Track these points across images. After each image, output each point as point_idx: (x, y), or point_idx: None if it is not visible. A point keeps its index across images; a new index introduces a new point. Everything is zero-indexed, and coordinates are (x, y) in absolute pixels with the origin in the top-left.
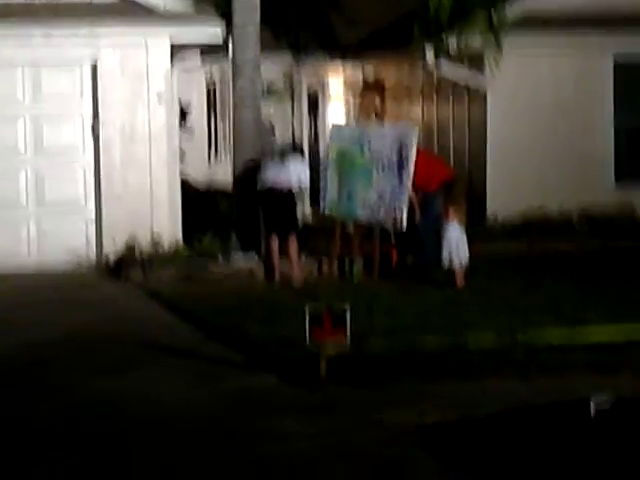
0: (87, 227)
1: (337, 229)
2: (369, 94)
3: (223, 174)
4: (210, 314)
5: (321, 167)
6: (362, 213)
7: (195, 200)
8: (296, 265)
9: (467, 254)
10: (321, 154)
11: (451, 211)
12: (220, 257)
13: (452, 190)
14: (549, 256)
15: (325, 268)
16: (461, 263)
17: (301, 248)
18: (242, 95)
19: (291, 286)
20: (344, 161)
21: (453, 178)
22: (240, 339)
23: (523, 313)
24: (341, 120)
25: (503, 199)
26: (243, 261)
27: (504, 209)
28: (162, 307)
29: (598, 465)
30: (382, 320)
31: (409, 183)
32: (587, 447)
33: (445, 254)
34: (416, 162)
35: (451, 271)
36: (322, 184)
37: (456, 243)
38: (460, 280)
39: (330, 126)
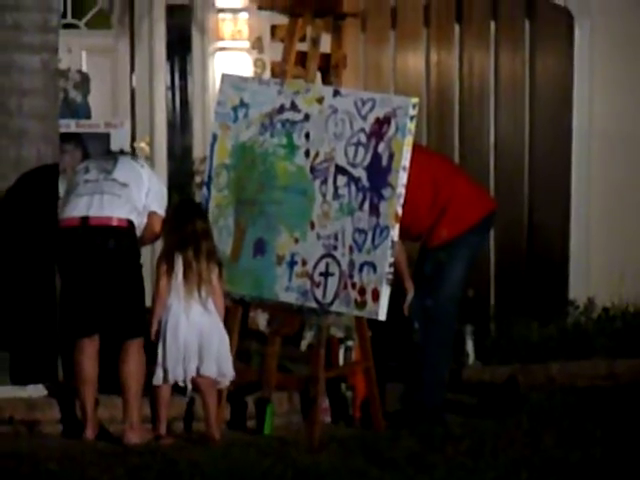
0: None
1: (234, 326)
2: (306, 19)
3: None
4: None
5: (198, 182)
6: (288, 288)
7: None
8: (135, 407)
9: (229, 371)
10: (196, 152)
11: (181, 282)
12: None
13: (195, 239)
14: None
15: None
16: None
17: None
18: (15, 20)
19: (125, 453)
20: (250, 171)
21: (492, 212)
22: None
23: None
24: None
25: (604, 270)
26: (14, 397)
27: (606, 290)
28: None
29: None
30: None
31: (395, 224)
32: None
33: (158, 370)
34: (410, 178)
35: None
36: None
37: (184, 348)
38: (214, 431)
39: (218, 83)
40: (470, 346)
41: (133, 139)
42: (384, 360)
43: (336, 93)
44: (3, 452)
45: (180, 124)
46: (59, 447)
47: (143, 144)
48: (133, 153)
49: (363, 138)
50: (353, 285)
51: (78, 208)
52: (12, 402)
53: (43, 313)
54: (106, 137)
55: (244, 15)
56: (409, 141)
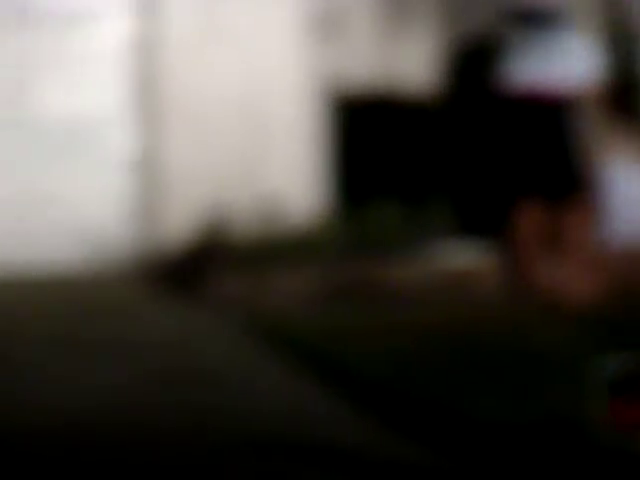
0: (118, 182)
1: None
2: None
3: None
4: (388, 371)
5: None
6: None
7: (367, 123)
8: (582, 263)
9: None
10: None
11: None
12: (413, 246)
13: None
14: None
15: None
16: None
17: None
18: None
19: (569, 309)
20: None
21: None
22: (458, 427)
23: None
24: None
25: None
26: (461, 254)
27: None
28: (288, 360)
29: None
30: None
31: None
32: None
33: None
34: None
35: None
36: None
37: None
38: None
39: None
40: None
41: None
42: None
43: None
44: (444, 307)
45: None
46: (500, 301)
47: None
48: None
49: None
50: None
51: (523, 72)
52: None
53: (484, 174)
54: None
55: None
56: None
